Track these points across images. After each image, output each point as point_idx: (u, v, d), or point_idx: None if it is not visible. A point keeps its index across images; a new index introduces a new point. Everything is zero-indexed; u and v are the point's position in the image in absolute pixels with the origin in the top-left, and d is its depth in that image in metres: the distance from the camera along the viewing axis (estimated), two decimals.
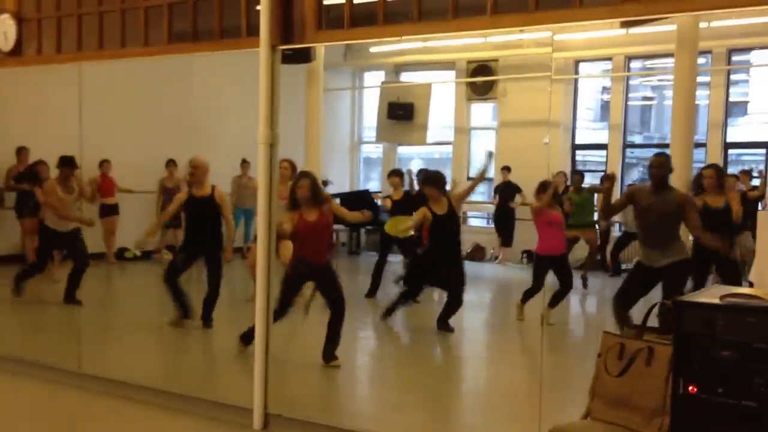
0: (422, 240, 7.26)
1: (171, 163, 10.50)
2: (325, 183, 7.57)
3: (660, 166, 5.22)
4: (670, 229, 5.17)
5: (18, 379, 4.71)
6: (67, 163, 6.94)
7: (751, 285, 3.01)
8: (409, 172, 8.56)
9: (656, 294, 5.22)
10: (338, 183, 11.82)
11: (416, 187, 8.27)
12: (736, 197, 6.38)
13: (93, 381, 4.56)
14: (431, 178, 6.48)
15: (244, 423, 3.91)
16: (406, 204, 7.70)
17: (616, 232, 10.45)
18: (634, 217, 5.63)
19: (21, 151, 8.83)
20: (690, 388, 2.16)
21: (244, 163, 9.77)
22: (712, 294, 2.30)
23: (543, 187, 6.84)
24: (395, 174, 8.16)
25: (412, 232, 7.37)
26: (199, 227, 6.26)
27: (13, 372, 4.81)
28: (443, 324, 6.36)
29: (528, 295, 6.69)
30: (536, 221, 6.78)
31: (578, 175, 9.32)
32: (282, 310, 5.10)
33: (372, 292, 7.74)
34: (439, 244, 6.40)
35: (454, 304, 6.37)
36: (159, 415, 4.14)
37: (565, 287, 6.75)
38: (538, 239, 6.77)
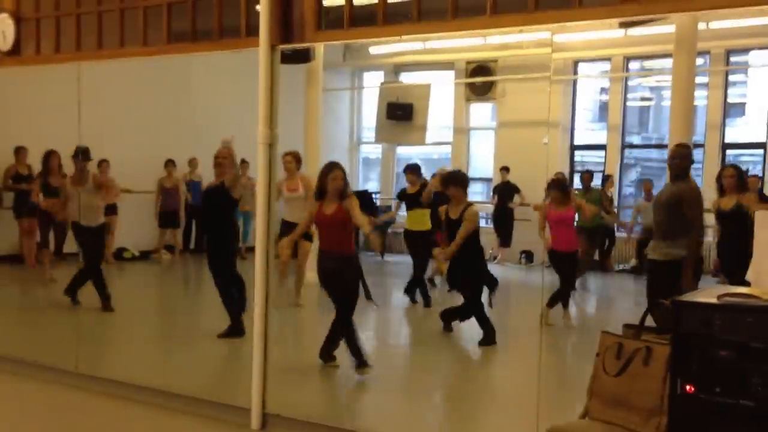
0: (436, 239, 7.22)
1: (170, 163, 10.50)
2: None
3: (681, 158, 5.08)
4: (669, 221, 4.99)
5: (18, 379, 4.71)
6: (77, 155, 6.75)
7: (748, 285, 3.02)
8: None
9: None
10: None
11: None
12: (752, 198, 6.08)
13: (92, 381, 4.56)
14: (456, 179, 6.23)
15: (242, 423, 3.91)
16: (419, 198, 7.58)
17: (618, 233, 10.44)
18: None
19: (19, 151, 8.81)
20: (687, 387, 2.16)
21: (243, 163, 9.75)
22: (709, 294, 2.31)
23: (549, 186, 6.84)
24: (412, 171, 7.89)
25: (429, 226, 7.29)
26: (205, 220, 6.13)
27: (13, 372, 4.81)
28: (446, 322, 6.30)
29: (561, 297, 6.62)
30: (547, 219, 6.78)
31: (587, 174, 9.17)
32: (344, 315, 4.93)
33: (426, 302, 7.51)
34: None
35: (461, 310, 6.19)
36: (157, 415, 4.14)
37: (566, 287, 6.70)
38: (550, 236, 6.75)
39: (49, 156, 7.63)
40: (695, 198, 5.06)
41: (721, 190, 6.06)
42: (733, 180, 5.98)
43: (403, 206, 7.99)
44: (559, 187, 6.87)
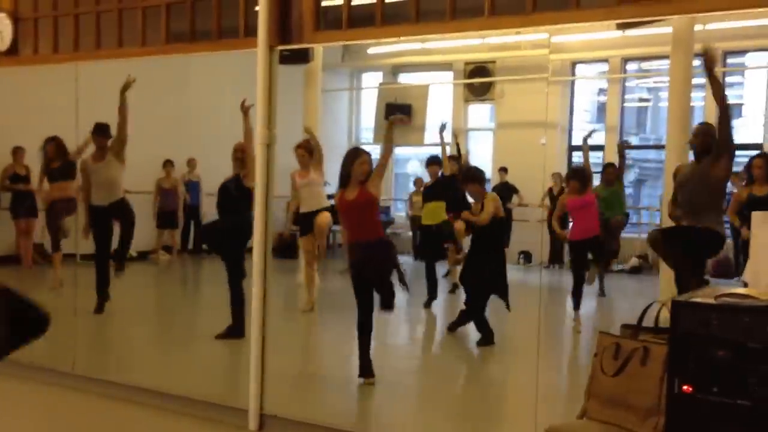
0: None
1: (168, 164, 10.49)
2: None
3: (704, 134, 5.01)
4: (692, 199, 4.87)
5: (15, 381, 4.70)
6: (97, 131, 6.63)
7: (745, 285, 3.03)
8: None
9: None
10: (336, 184, 11.80)
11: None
12: None
13: (89, 382, 4.56)
14: (474, 176, 6.10)
15: (240, 424, 3.91)
16: (438, 190, 7.56)
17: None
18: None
19: (17, 151, 8.80)
20: (685, 387, 2.17)
21: None
22: (707, 294, 2.32)
23: (568, 175, 6.82)
24: (437, 163, 7.76)
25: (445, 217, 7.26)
26: (220, 213, 6.01)
27: (11, 374, 4.80)
28: (454, 323, 6.27)
29: (576, 294, 6.48)
30: (568, 209, 6.72)
31: (612, 167, 9.01)
32: (365, 318, 4.64)
33: (428, 302, 7.40)
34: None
35: (465, 312, 6.14)
36: (155, 417, 4.14)
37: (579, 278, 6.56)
38: (572, 226, 6.69)
39: (48, 143, 7.52)
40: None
41: (750, 181, 6.03)
42: (763, 170, 5.97)
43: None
44: (578, 176, 6.77)
